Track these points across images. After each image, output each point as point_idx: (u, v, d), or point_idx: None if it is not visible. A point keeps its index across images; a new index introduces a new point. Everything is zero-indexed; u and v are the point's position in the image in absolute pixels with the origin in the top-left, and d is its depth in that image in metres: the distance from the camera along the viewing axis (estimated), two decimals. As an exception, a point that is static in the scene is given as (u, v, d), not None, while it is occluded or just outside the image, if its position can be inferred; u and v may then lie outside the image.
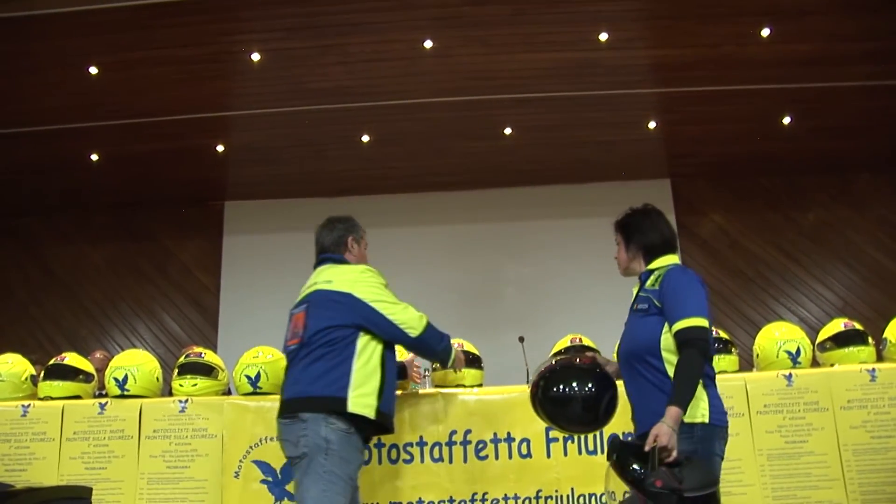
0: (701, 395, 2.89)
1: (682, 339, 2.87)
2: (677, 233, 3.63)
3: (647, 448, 2.67)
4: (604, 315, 8.23)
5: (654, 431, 2.71)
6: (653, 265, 3.18)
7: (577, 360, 3.23)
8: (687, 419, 2.81)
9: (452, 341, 3.68)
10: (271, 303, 8.40)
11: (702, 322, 2.88)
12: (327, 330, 3.30)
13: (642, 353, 2.98)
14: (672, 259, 3.19)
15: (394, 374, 3.33)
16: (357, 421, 3.18)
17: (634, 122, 8.11)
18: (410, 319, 3.33)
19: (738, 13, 6.58)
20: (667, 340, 2.94)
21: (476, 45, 6.86)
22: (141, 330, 9.41)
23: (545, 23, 6.63)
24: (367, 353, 3.26)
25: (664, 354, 2.93)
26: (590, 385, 3.03)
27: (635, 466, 2.64)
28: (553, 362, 3.20)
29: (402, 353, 3.86)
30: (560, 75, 7.25)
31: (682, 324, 2.88)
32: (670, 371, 2.90)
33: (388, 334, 3.31)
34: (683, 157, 8.93)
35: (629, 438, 3.22)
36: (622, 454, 2.71)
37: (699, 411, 2.87)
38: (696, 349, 2.84)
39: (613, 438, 3.03)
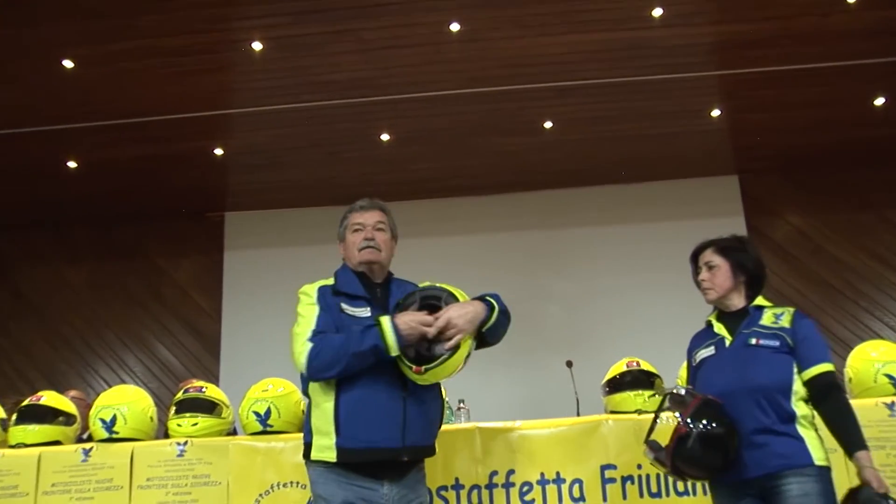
0: (818, 437, 3.27)
1: (826, 382, 3.25)
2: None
3: (882, 491, 3.06)
4: (663, 336, 8.20)
5: (868, 477, 3.07)
6: (761, 302, 3.52)
7: (697, 392, 3.35)
8: (819, 461, 3.18)
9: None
10: (281, 327, 8.42)
11: (833, 367, 3.29)
12: None
13: (772, 391, 3.26)
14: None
15: (365, 396, 3.26)
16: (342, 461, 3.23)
17: (695, 110, 8.09)
18: (295, 350, 3.31)
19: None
20: (797, 383, 3.28)
21: (509, 26, 6.88)
22: (130, 362, 9.51)
23: (589, -1, 6.65)
24: (320, 387, 3.31)
25: (794, 397, 3.26)
26: (730, 423, 3.25)
27: None
28: (694, 393, 3.32)
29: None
30: (608, 59, 7.26)
31: (822, 368, 3.27)
32: (800, 412, 3.24)
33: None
34: (753, 150, 8.89)
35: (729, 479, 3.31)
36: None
37: (823, 453, 3.23)
38: (843, 393, 3.25)
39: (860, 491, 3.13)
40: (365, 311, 3.32)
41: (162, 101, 7.50)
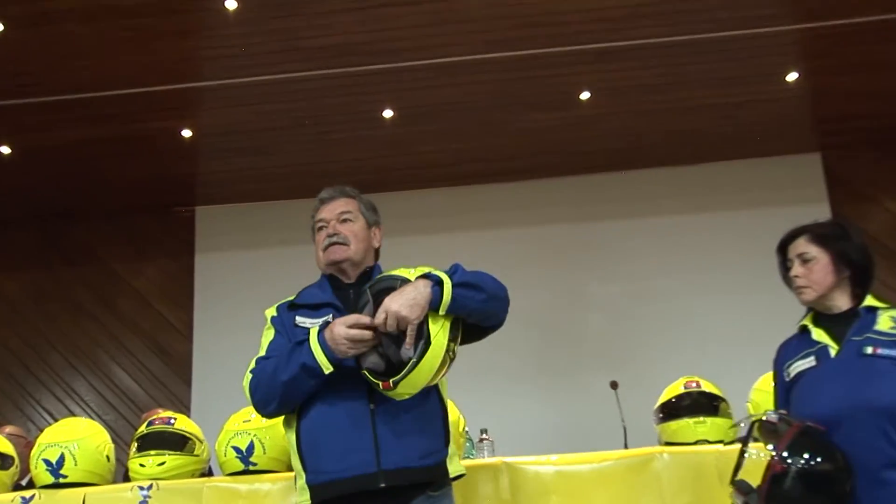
0: None
1: None
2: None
3: None
4: (729, 349, 8.23)
5: None
6: (873, 302, 3.39)
7: (793, 419, 3.25)
8: None
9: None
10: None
11: None
12: None
13: None
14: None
15: (324, 418, 3.27)
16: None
17: (766, 73, 8.10)
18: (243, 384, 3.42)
19: None
20: None
21: (537, -25, 6.90)
22: (81, 390, 9.58)
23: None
24: (291, 418, 3.40)
25: None
26: (841, 456, 3.14)
27: None
28: (789, 420, 3.23)
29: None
30: (657, 13, 7.25)
31: None
32: None
33: None
34: (839, 122, 8.88)
35: None
36: None
37: None
38: None
39: None
40: (328, 319, 3.34)
41: (115, 73, 7.51)
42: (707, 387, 4.59)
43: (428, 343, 3.10)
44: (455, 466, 3.35)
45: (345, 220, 3.54)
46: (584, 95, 8.21)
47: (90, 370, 9.61)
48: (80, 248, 9.90)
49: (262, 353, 3.35)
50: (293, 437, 3.30)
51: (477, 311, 3.24)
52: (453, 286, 3.17)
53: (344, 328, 3.13)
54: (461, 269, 3.29)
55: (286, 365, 3.21)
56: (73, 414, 9.29)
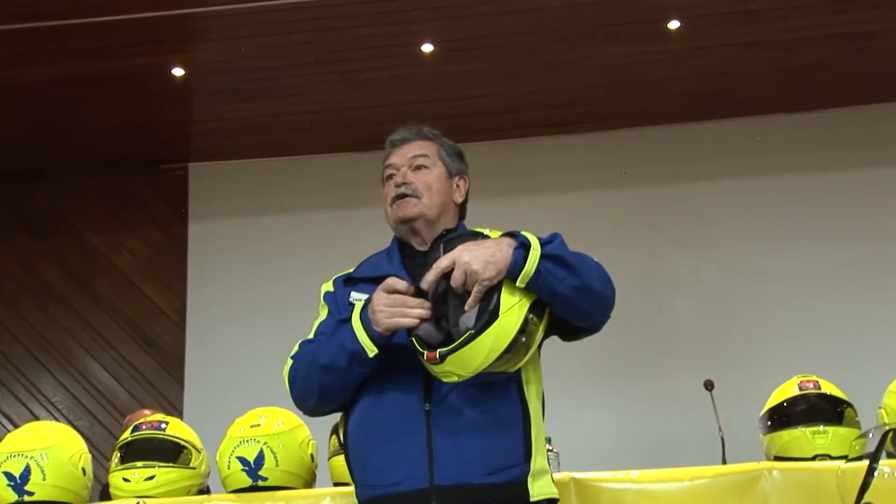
0: None
1: None
2: None
3: None
4: (854, 343, 8.17)
5: None
6: None
7: None
8: None
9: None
10: (276, 331, 8.49)
11: None
12: None
13: None
14: None
15: (370, 416, 3.26)
16: None
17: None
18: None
19: None
20: None
21: None
22: (48, 388, 9.66)
23: None
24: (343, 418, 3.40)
25: None
26: None
27: None
28: None
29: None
30: None
31: None
32: None
33: None
34: None
35: None
36: None
37: None
38: None
39: None
40: None
41: (90, -5, 7.58)
42: (827, 388, 4.57)
43: (494, 316, 2.94)
44: (542, 487, 3.22)
45: (418, 168, 3.46)
46: (673, 25, 8.15)
47: (59, 366, 9.69)
48: (46, 216, 9.98)
49: (311, 335, 3.35)
50: (340, 438, 3.35)
51: (562, 297, 3.08)
52: (541, 256, 3.02)
53: (383, 293, 3.06)
54: (560, 241, 3.15)
55: (326, 347, 3.17)
56: (38, 418, 9.27)
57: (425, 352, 2.97)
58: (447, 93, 8.85)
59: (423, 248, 3.36)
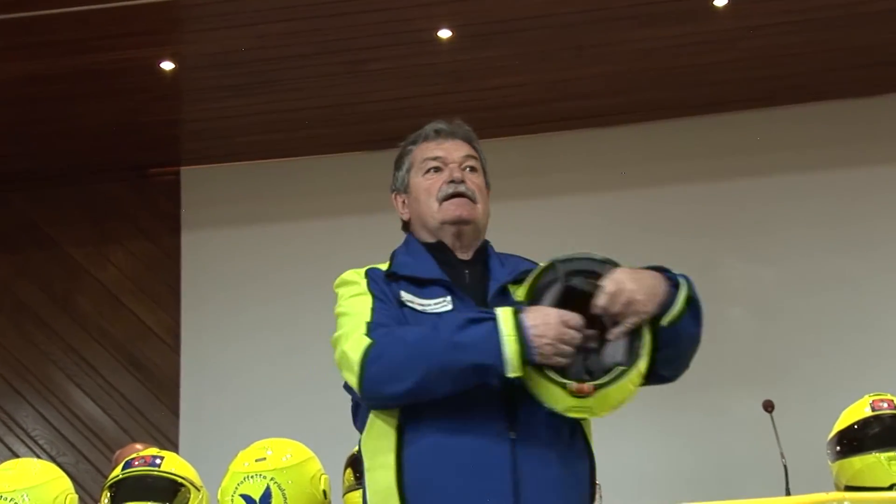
0: None
1: None
2: None
3: None
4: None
5: None
6: None
7: None
8: None
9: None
10: (280, 352, 8.57)
11: None
12: (353, 409, 3.48)
13: None
14: None
15: (446, 441, 3.23)
16: None
17: None
18: (343, 351, 3.28)
19: None
20: None
21: None
22: (26, 421, 9.67)
23: None
24: (374, 435, 3.31)
25: None
26: None
27: None
28: None
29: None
30: None
31: None
32: None
33: (355, 397, 3.36)
34: None
35: None
36: None
37: None
38: None
39: None
40: (444, 304, 3.27)
41: (71, -17, 7.60)
42: (903, 408, 4.56)
43: (638, 354, 3.03)
44: None
45: (470, 168, 3.51)
46: (720, 2, 8.13)
47: (39, 395, 9.70)
48: (21, 227, 10.00)
49: (367, 318, 3.23)
50: (388, 460, 3.18)
51: (682, 344, 3.21)
52: (686, 299, 3.14)
53: (561, 325, 3.00)
54: (692, 284, 3.23)
55: (452, 344, 3.07)
56: (16, 455, 9.32)
57: (575, 381, 2.97)
58: (466, 83, 8.85)
59: (465, 257, 3.43)
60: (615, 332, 2.99)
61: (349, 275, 3.41)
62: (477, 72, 8.73)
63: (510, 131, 9.35)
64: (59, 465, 5.46)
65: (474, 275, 3.37)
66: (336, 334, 3.28)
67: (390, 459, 3.18)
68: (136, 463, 4.64)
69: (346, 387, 3.29)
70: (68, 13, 7.68)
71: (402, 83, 8.81)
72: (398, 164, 3.64)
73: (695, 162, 9.41)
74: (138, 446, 5.76)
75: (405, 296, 3.29)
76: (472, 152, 3.55)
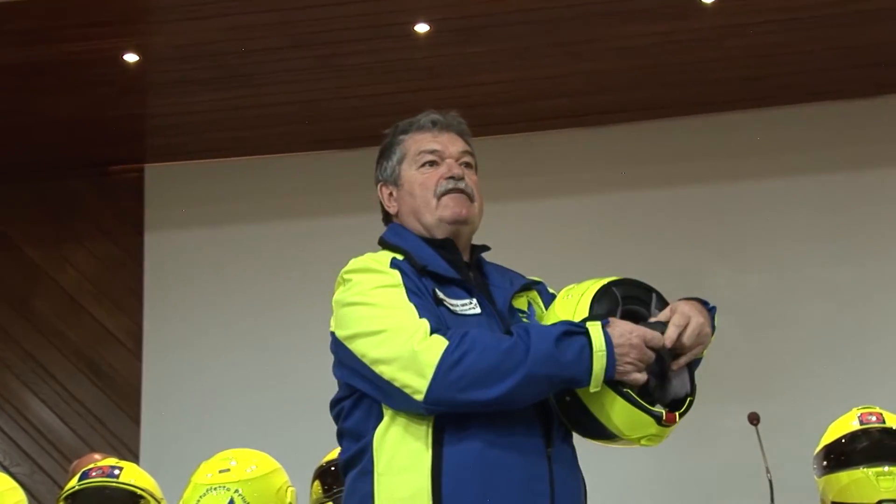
0: None
1: None
2: None
3: None
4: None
5: None
6: None
7: None
8: None
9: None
10: (247, 358, 8.57)
11: None
12: (336, 408, 3.44)
13: None
14: None
15: (491, 452, 3.23)
16: None
17: None
18: (414, 350, 3.21)
19: None
20: None
21: None
22: (-19, 430, 9.64)
23: None
24: (397, 435, 3.27)
25: None
26: None
27: None
28: None
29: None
30: None
31: None
32: None
33: (386, 400, 3.29)
34: None
35: None
36: None
37: None
38: None
39: None
40: (471, 307, 3.32)
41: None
42: (893, 422, 4.61)
43: (695, 385, 3.22)
44: None
45: (467, 164, 3.53)
46: (708, -1, 8.18)
47: (-6, 402, 9.69)
48: (-23, 226, 9.98)
49: (416, 314, 3.16)
50: (417, 476, 3.15)
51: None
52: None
53: (643, 343, 3.10)
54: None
55: (546, 356, 3.06)
56: (-32, 463, 9.34)
57: (664, 412, 3.10)
58: (444, 80, 8.85)
59: (465, 258, 3.48)
60: (680, 363, 3.15)
61: (369, 262, 3.36)
62: (455, 68, 8.74)
63: (489, 130, 9.29)
64: (12, 475, 5.47)
65: (476, 279, 3.41)
66: (366, 328, 3.22)
67: (423, 464, 3.15)
68: (94, 473, 4.65)
69: (342, 378, 3.33)
70: (23, 1, 7.66)
71: (378, 79, 8.80)
72: (387, 153, 3.62)
73: (680, 165, 9.43)
74: (96, 456, 5.75)
75: (440, 294, 3.29)
76: (468, 147, 3.58)
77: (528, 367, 3.03)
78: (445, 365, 3.03)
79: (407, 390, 3.08)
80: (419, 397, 3.06)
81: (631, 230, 9.30)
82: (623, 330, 3.08)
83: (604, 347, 3.04)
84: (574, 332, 3.07)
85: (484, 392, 3.04)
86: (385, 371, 3.12)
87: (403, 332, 3.11)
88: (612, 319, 3.11)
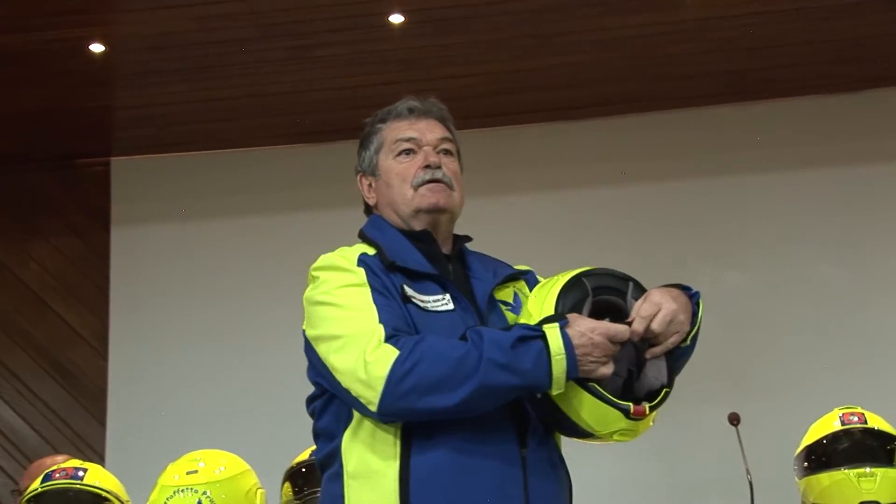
0: None
1: None
2: None
3: None
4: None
5: None
6: None
7: None
8: None
9: None
10: (216, 358, 8.56)
11: None
12: (310, 407, 3.44)
13: None
14: None
15: (459, 458, 3.21)
16: None
17: None
18: (366, 362, 3.21)
19: None
20: None
21: None
22: (-59, 432, 9.61)
23: None
24: (365, 438, 3.27)
25: None
26: None
27: None
28: None
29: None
30: None
31: None
32: None
33: (349, 405, 3.28)
34: None
35: None
36: None
37: None
38: None
39: None
40: (444, 303, 3.29)
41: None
42: (874, 422, 4.61)
43: (674, 375, 3.18)
44: None
45: (446, 151, 3.54)
46: (693, -12, 8.20)
47: (-46, 405, 9.67)
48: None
49: (376, 318, 3.14)
50: (385, 481, 3.14)
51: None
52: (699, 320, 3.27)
53: (606, 339, 3.06)
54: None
55: (497, 365, 3.03)
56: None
57: (630, 405, 3.06)
58: (420, 72, 8.82)
59: (446, 250, 3.46)
60: (654, 352, 3.11)
61: (336, 259, 3.35)
62: (431, 60, 8.73)
63: (466, 124, 9.09)
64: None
65: (457, 271, 3.40)
66: (327, 331, 3.22)
67: (391, 469, 3.16)
68: (57, 475, 4.64)
69: (312, 378, 3.32)
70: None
71: (351, 71, 8.80)
72: (365, 143, 3.63)
73: (662, 159, 9.43)
74: (59, 458, 5.75)
75: (408, 290, 3.27)
76: (447, 134, 3.58)
77: (482, 376, 3.02)
78: (395, 377, 3.02)
79: (361, 400, 3.09)
80: (372, 408, 3.07)
81: (613, 224, 9.33)
82: (584, 328, 3.05)
83: (562, 351, 3.02)
84: (529, 336, 3.04)
85: (437, 400, 3.04)
86: (342, 380, 3.14)
87: (359, 340, 3.11)
88: (572, 317, 3.07)
